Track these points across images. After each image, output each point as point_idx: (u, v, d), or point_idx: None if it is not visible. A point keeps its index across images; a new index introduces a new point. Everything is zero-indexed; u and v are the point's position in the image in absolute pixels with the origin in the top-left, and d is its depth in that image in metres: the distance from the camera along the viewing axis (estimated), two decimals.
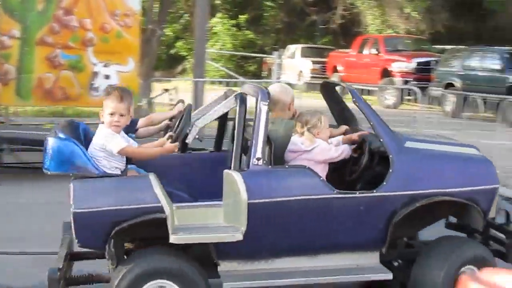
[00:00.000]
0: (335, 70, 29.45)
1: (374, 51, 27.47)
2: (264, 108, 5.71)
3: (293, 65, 32.06)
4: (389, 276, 5.89)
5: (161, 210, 5.33)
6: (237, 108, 5.86)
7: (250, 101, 5.87)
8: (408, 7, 33.17)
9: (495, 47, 24.25)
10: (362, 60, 27.80)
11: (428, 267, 5.83)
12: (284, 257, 5.83)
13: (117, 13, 15.07)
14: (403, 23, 33.41)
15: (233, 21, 37.66)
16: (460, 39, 32.77)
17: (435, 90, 23.50)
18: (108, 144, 5.51)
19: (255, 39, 37.58)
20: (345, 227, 5.86)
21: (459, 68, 23.43)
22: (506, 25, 32.40)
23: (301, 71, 31.69)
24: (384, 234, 5.91)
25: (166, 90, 20.20)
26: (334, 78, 28.22)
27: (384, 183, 5.89)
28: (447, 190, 6.02)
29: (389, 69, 25.76)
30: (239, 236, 5.47)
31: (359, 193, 5.89)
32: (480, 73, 22.51)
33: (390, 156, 5.95)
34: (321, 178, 5.81)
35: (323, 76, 29.66)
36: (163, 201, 5.37)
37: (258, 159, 5.65)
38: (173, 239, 5.34)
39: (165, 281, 5.42)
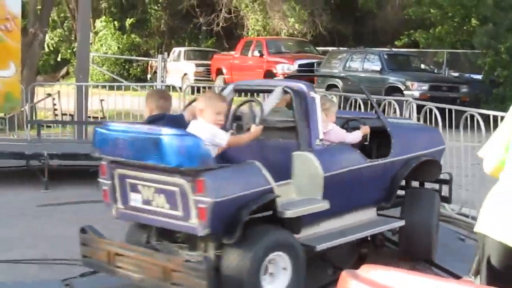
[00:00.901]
0: (219, 72, 29.50)
1: (257, 53, 27.72)
2: (316, 96, 6.79)
3: (178, 68, 31.98)
4: (402, 222, 7.38)
5: (272, 190, 6.03)
6: (296, 99, 6.72)
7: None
8: (290, 11, 33.59)
9: (374, 49, 24.93)
10: (246, 62, 27.99)
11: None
12: (327, 220, 6.74)
13: None
14: (286, 26, 33.83)
15: (118, 24, 37.29)
16: (341, 41, 33.51)
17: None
18: (217, 138, 6.08)
19: (140, 43, 37.34)
20: (369, 188, 7.15)
21: (341, 70, 23.91)
22: (384, 27, 33.25)
23: (185, 74, 31.66)
24: (389, 192, 7.40)
25: (49, 94, 19.97)
26: (219, 80, 28.36)
27: (392, 150, 7.40)
28: (425, 152, 7.82)
29: (273, 71, 26.07)
30: (327, 205, 6.44)
31: (381, 160, 7.30)
32: (361, 75, 23.02)
33: (389, 129, 7.49)
34: (358, 151, 7.10)
35: (207, 79, 29.79)
36: (272, 183, 6.05)
37: (320, 140, 6.67)
38: (289, 213, 6.11)
39: (280, 253, 5.98)
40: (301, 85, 6.86)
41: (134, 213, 6.24)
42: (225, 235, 5.78)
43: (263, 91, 8.61)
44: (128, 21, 37.76)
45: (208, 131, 6.03)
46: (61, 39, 41.74)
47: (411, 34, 28.15)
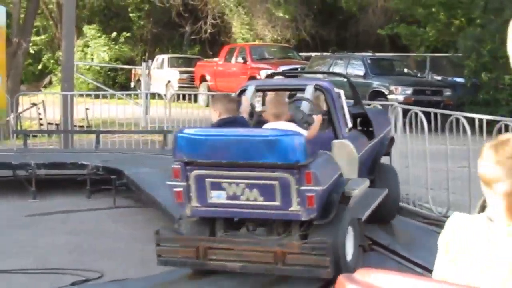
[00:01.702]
0: (203, 79, 29.44)
1: (241, 59, 27.71)
2: (340, 92, 8.01)
3: (162, 76, 31.85)
4: (386, 191, 8.55)
5: (342, 175, 7.18)
6: (328, 96, 7.70)
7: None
8: (274, 16, 33.69)
9: (358, 54, 24.97)
10: (230, 69, 27.98)
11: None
12: None
13: None
14: (269, 32, 33.89)
15: (102, 33, 37.24)
16: (324, 46, 33.57)
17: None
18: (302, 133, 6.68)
19: (124, 51, 37.28)
20: (366, 164, 8.38)
21: (324, 75, 23.95)
22: (367, 31, 33.35)
23: (169, 81, 31.61)
24: (372, 166, 8.74)
25: (34, 104, 19.92)
26: (203, 88, 28.34)
27: (375, 132, 8.73)
28: (386, 130, 9.40)
29: (257, 77, 26.07)
30: (368, 183, 7.73)
31: (373, 141, 8.67)
32: (344, 79, 23.08)
33: (369, 114, 8.87)
34: (364, 136, 8.47)
35: (191, 85, 29.74)
36: (340, 168, 7.20)
37: (349, 129, 7.82)
38: (355, 193, 7.03)
39: (349, 226, 6.89)
40: (326, 84, 7.94)
41: (215, 209, 6.70)
42: (320, 217, 6.53)
43: (285, 90, 8.92)
44: (111, 30, 37.66)
45: (293, 128, 6.79)
46: (43, 47, 41.66)
47: (393, 27, 28.10)
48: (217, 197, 6.62)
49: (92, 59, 37.07)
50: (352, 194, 6.94)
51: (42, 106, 21.12)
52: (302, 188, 6.35)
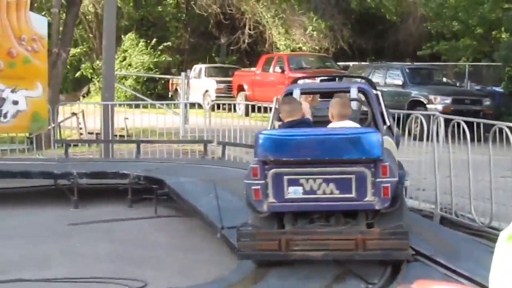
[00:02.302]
0: (240, 89, 29.49)
1: (278, 69, 27.73)
2: (379, 93, 8.67)
3: (199, 85, 31.97)
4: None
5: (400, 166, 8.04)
6: (369, 97, 8.28)
7: None
8: (311, 26, 33.70)
9: (396, 63, 24.95)
10: (267, 78, 28.00)
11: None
12: None
13: (23, 38, 14.96)
14: (307, 41, 33.90)
15: (141, 42, 37.43)
16: (362, 55, 33.53)
17: None
18: None
19: (162, 60, 37.41)
20: None
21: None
22: (407, 40, 33.25)
23: (206, 91, 31.73)
24: None
25: (74, 113, 20.09)
26: (240, 97, 28.37)
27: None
28: (396, 129, 9.88)
29: None
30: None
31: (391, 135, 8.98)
32: (383, 89, 23.01)
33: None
34: (391, 133, 8.74)
35: (229, 95, 29.78)
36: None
37: (388, 126, 8.49)
38: (407, 183, 7.97)
39: None
40: (366, 86, 8.66)
41: (291, 204, 7.23)
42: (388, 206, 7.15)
43: (329, 92, 9.41)
44: (149, 38, 37.80)
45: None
46: (81, 57, 42.02)
47: (433, 46, 28.10)
48: (293, 192, 7.18)
49: (130, 66, 37.24)
50: (407, 184, 7.85)
51: (82, 116, 21.32)
52: (378, 180, 7.02)
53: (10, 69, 14.80)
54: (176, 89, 34.52)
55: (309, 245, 7.20)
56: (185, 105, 21.63)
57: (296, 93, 8.42)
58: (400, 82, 22.68)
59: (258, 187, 7.19)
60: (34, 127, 15.53)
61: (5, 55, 14.78)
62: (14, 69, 14.86)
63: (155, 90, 37.20)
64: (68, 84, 41.97)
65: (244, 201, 7.49)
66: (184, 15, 40.02)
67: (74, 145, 17.65)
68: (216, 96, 30.13)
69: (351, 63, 29.34)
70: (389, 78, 23.42)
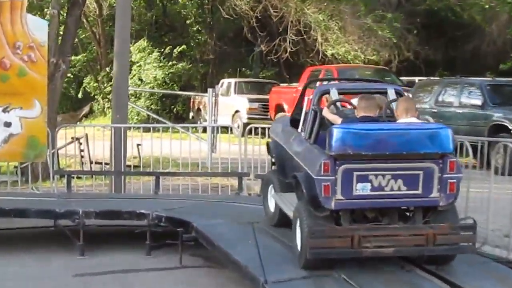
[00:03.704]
0: (279, 109, 29.19)
1: None
2: (410, 94, 10.82)
3: (227, 104, 31.34)
4: None
5: None
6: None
7: None
8: (371, 32, 33.42)
9: (474, 78, 24.70)
10: None
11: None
12: None
13: (19, 45, 15.04)
14: (362, 51, 33.65)
15: (155, 51, 37.52)
16: (430, 68, 33.31)
17: None
18: None
19: (179, 72, 37.27)
20: None
21: (432, 105, 23.82)
22: (486, 50, 33.01)
23: (236, 111, 31.59)
24: None
25: (77, 139, 20.17)
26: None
27: None
28: None
29: (347, 106, 25.91)
30: None
31: None
32: (458, 110, 22.91)
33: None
34: None
35: (264, 116, 29.62)
36: None
37: None
38: None
39: None
40: (399, 88, 10.47)
41: (359, 201, 8.68)
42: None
43: (366, 93, 10.55)
44: (176, 49, 37.81)
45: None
46: (82, 68, 42.27)
47: None
48: (361, 189, 8.58)
49: (140, 81, 37.27)
50: None
51: (86, 141, 21.45)
52: (445, 175, 8.58)
53: (1, 83, 14.87)
54: (198, 109, 34.53)
55: (381, 242, 8.56)
56: (213, 128, 21.64)
57: (334, 93, 10.21)
58: (479, 103, 22.49)
59: (329, 183, 8.51)
60: (30, 155, 15.50)
61: None
62: (7, 83, 14.90)
63: (173, 110, 37.23)
64: (65, 102, 42.04)
65: (305, 197, 8.82)
66: (209, 17, 40.00)
67: (78, 177, 17.75)
68: (248, 118, 30.05)
69: (416, 78, 29.20)
70: (464, 97, 23.24)
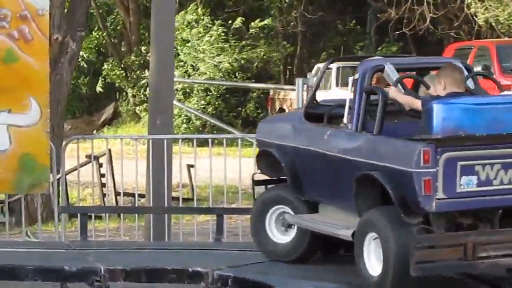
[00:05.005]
0: None
1: (479, 69, 27.44)
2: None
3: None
4: None
5: None
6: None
7: None
8: None
9: None
10: None
11: None
12: None
13: (4, 14, 14.97)
14: None
15: (217, 26, 37.70)
16: None
17: None
18: None
19: (257, 58, 37.41)
20: None
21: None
22: None
23: None
24: None
25: (95, 157, 20.20)
26: None
27: None
28: None
29: None
30: None
31: None
32: None
33: None
34: None
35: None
36: None
37: None
38: None
39: None
40: (458, 62, 11.81)
41: (463, 200, 9.60)
42: None
43: (421, 68, 12.28)
44: (255, 23, 37.96)
45: None
46: (101, 50, 42.66)
47: None
48: (466, 184, 9.50)
49: (193, 69, 37.44)
50: None
51: (108, 161, 21.49)
52: None
53: None
54: (281, 109, 34.59)
55: (499, 250, 9.45)
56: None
57: (391, 69, 11.07)
58: None
59: (430, 177, 9.42)
60: (23, 184, 15.37)
61: None
62: None
63: (242, 112, 37.32)
64: (77, 101, 42.41)
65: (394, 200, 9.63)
66: None
67: (97, 217, 17.73)
68: None
69: None
70: None
